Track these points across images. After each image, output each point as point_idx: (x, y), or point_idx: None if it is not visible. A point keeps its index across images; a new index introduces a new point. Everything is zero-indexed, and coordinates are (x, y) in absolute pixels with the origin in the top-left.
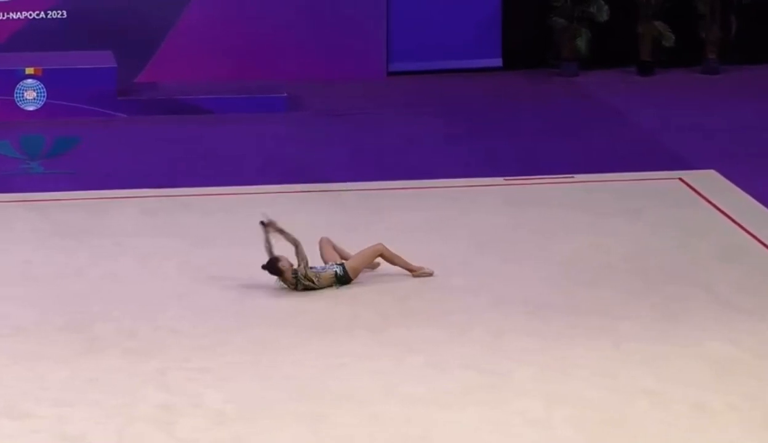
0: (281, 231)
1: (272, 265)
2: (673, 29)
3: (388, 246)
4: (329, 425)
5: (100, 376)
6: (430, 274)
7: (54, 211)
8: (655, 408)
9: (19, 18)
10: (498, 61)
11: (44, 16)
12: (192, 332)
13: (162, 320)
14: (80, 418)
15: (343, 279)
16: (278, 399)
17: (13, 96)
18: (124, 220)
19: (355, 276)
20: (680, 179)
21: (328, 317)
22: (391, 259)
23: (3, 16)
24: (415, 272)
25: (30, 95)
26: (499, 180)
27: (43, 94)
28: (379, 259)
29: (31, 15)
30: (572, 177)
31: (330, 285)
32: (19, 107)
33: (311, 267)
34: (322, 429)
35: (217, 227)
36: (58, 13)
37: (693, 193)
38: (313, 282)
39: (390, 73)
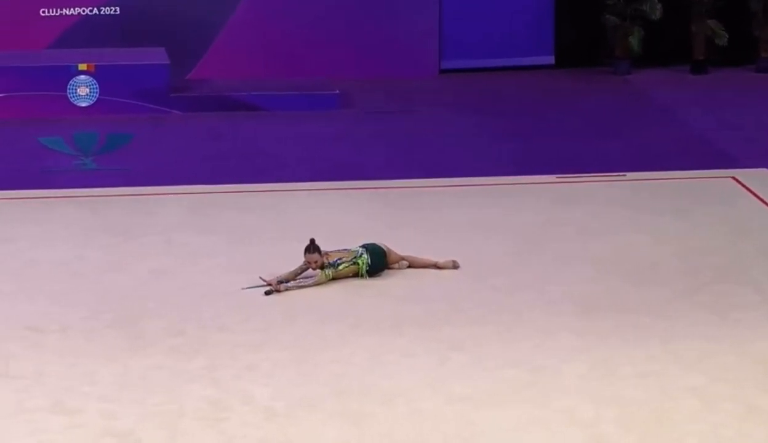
0: (286, 286)
1: (312, 244)
2: (726, 28)
3: (431, 247)
4: (374, 422)
5: (147, 373)
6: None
7: (104, 207)
8: (704, 409)
9: (72, 14)
10: (550, 59)
11: (97, 12)
12: (238, 329)
13: (209, 317)
14: (127, 415)
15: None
16: (324, 396)
17: (66, 92)
18: (173, 217)
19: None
20: (733, 178)
21: (374, 314)
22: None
23: (56, 12)
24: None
25: (83, 91)
26: (550, 178)
27: (95, 91)
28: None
29: (84, 11)
30: (624, 175)
31: (355, 262)
32: (71, 103)
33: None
34: (367, 426)
35: (265, 224)
36: (111, 9)
37: (745, 191)
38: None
39: (442, 71)
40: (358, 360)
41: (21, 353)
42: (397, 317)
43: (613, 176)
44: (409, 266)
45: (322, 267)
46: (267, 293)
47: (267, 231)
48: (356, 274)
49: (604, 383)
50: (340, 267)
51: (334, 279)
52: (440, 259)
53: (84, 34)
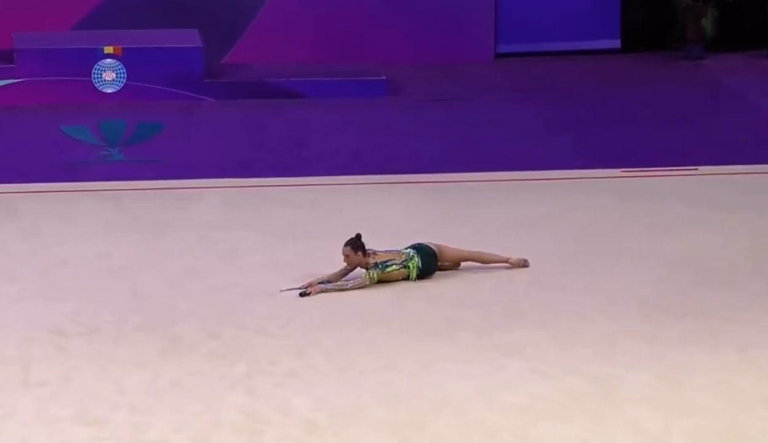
0: (323, 287)
1: (355, 240)
2: None
3: (484, 246)
4: (424, 435)
5: (180, 380)
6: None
7: (132, 202)
8: None
9: None
10: (616, 43)
11: None
12: (279, 333)
13: (247, 320)
14: (158, 426)
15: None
16: (370, 405)
17: (90, 77)
18: (207, 212)
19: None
20: None
21: (425, 318)
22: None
23: None
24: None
25: (109, 76)
26: (614, 172)
27: (122, 76)
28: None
29: None
30: (695, 169)
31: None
32: (97, 89)
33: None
34: (416, 439)
35: (307, 220)
36: None
37: None
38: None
39: (498, 55)
40: (406, 367)
41: (44, 358)
42: (448, 321)
43: (684, 170)
44: (480, 262)
45: (366, 268)
46: (302, 294)
47: (308, 228)
48: (405, 278)
49: (673, 393)
50: (388, 270)
51: (379, 281)
52: (512, 256)
53: (110, 15)
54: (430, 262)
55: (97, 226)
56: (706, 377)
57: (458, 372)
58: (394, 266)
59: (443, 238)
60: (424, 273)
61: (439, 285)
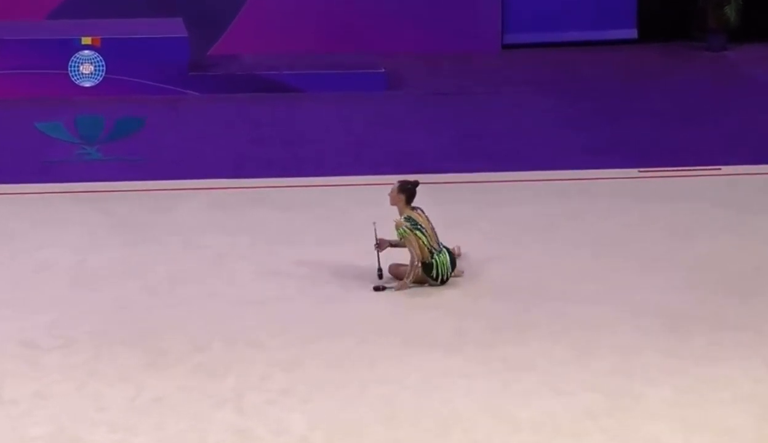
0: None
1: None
2: None
3: (494, 250)
4: None
5: (164, 396)
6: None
7: (113, 204)
8: None
9: None
10: (632, 33)
11: None
12: (272, 345)
13: (237, 331)
14: None
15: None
16: (370, 424)
17: (67, 70)
18: (194, 215)
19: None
20: None
21: (430, 329)
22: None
23: None
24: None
25: (86, 69)
26: (631, 171)
27: (101, 68)
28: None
29: None
30: (718, 168)
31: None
32: (73, 83)
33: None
34: None
35: (302, 224)
36: None
37: None
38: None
39: (505, 46)
40: (409, 382)
41: (17, 373)
42: (454, 332)
43: (707, 169)
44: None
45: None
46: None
47: (304, 232)
48: (428, 270)
49: (696, 409)
50: (417, 233)
51: (402, 240)
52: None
53: (88, 3)
54: (453, 263)
55: (75, 230)
56: (731, 392)
57: (465, 387)
58: (424, 238)
59: (451, 242)
60: (443, 276)
61: (443, 294)
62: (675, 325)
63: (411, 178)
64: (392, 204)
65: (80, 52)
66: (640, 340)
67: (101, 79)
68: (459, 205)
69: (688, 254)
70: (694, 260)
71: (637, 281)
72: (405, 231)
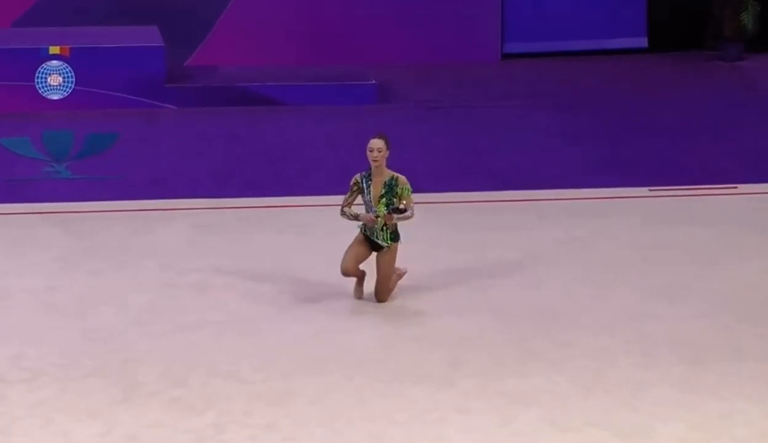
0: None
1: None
2: None
3: (496, 276)
4: None
5: (137, 434)
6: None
7: (83, 226)
8: None
9: None
10: (642, 41)
11: None
12: (254, 378)
13: (218, 363)
14: None
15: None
16: None
17: (33, 81)
18: (172, 238)
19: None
20: None
21: (422, 360)
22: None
23: None
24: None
25: (54, 80)
26: (641, 190)
27: (70, 80)
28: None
29: None
30: (734, 187)
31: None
32: (41, 95)
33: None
34: None
35: (286, 247)
36: None
37: None
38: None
39: (505, 56)
40: (400, 418)
41: None
42: (448, 364)
43: (722, 188)
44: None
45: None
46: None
47: (289, 256)
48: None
49: None
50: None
51: (405, 199)
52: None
53: (56, 9)
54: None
55: (44, 255)
56: (748, 429)
57: (461, 423)
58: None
59: (448, 267)
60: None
61: (436, 322)
62: (688, 356)
63: None
64: (380, 162)
65: (48, 63)
66: (650, 372)
67: (70, 91)
68: (455, 227)
69: (703, 280)
70: (709, 286)
71: (648, 309)
72: (410, 188)
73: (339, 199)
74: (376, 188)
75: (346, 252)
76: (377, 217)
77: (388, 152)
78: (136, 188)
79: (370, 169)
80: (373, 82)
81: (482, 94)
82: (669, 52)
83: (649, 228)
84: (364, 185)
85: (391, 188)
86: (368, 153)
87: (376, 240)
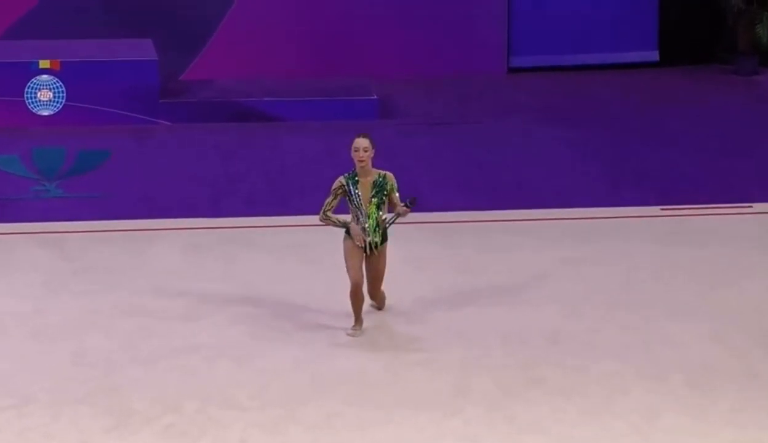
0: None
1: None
2: None
3: (503, 298)
4: None
5: None
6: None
7: (74, 247)
8: None
9: None
10: (653, 55)
11: None
12: (251, 405)
13: (212, 389)
14: None
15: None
16: None
17: (23, 97)
18: (166, 259)
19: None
20: None
21: (425, 386)
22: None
23: None
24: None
25: (45, 96)
26: (653, 209)
27: (61, 95)
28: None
29: None
30: (749, 206)
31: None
32: (30, 111)
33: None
34: None
35: (284, 268)
36: None
37: None
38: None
39: (511, 69)
40: None
41: None
42: (452, 390)
43: (736, 207)
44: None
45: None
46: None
47: (287, 277)
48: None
49: None
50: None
51: (392, 191)
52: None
53: (46, 21)
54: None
55: (33, 276)
56: None
57: None
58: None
59: (452, 289)
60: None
61: (440, 346)
62: (701, 382)
63: None
64: (366, 162)
65: (38, 77)
66: (662, 399)
67: (61, 106)
68: (460, 248)
69: (716, 303)
70: (723, 309)
71: (659, 333)
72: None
73: (340, 217)
74: (365, 189)
75: (350, 262)
76: (364, 230)
77: (373, 151)
78: (128, 207)
79: (354, 170)
80: (375, 96)
81: (487, 109)
82: (681, 65)
83: (660, 248)
84: (351, 188)
85: (381, 188)
86: (353, 153)
87: (367, 241)
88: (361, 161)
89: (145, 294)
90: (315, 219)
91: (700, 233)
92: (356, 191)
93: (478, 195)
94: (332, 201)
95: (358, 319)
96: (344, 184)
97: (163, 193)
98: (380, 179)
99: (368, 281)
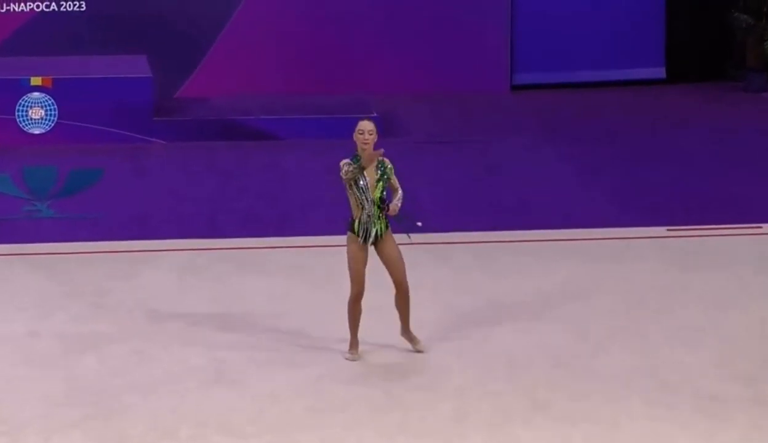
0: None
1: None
2: None
3: (505, 322)
4: None
5: None
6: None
7: (66, 269)
8: None
9: (23, 10)
10: (659, 72)
11: (56, 9)
12: (247, 431)
13: (208, 414)
14: None
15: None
16: None
17: (14, 114)
18: (159, 281)
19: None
20: None
21: (426, 411)
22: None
23: (1, 8)
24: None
25: (36, 113)
26: (659, 230)
27: (53, 112)
28: None
29: (39, 7)
30: (759, 227)
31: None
32: (22, 129)
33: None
34: None
35: (282, 290)
36: (74, 5)
37: None
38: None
39: (514, 87)
40: None
41: None
42: (454, 415)
43: (745, 228)
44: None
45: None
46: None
47: (286, 300)
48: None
49: None
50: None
51: (390, 177)
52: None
53: (38, 37)
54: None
55: (24, 299)
56: None
57: None
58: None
59: (453, 312)
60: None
61: (441, 370)
62: (709, 408)
63: None
64: (370, 144)
65: (29, 95)
66: (669, 426)
67: (53, 124)
68: (462, 269)
69: (724, 327)
70: (731, 334)
71: (667, 357)
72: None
73: (337, 239)
74: (371, 174)
75: (354, 268)
76: (369, 217)
77: (376, 136)
78: (121, 228)
79: (356, 156)
80: (375, 114)
81: (490, 127)
82: (688, 82)
83: (666, 270)
84: (358, 175)
85: (383, 171)
86: (357, 135)
87: (372, 231)
88: (366, 143)
89: (139, 318)
90: (311, 240)
91: (708, 254)
92: (363, 177)
93: (481, 214)
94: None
95: (354, 339)
96: (355, 166)
97: (157, 214)
98: (380, 164)
99: (390, 274)
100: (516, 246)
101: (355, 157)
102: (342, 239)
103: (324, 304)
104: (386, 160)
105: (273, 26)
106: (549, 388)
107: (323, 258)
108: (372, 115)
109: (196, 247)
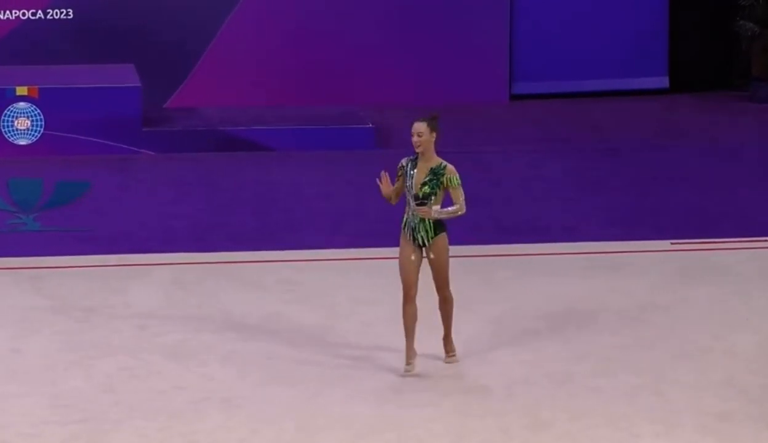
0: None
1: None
2: None
3: (504, 339)
4: None
5: None
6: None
7: (52, 283)
8: None
9: (8, 18)
10: (663, 81)
11: (42, 17)
12: None
13: (200, 432)
14: None
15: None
16: None
17: None
18: (149, 296)
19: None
20: None
21: (425, 430)
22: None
23: None
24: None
25: (22, 124)
26: (663, 244)
27: (39, 123)
28: None
29: (24, 15)
30: (765, 240)
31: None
32: (7, 140)
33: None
34: None
35: (273, 306)
36: (61, 13)
37: None
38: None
39: (514, 97)
40: None
41: None
42: (453, 433)
43: (750, 241)
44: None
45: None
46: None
47: (277, 316)
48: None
49: None
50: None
51: (453, 188)
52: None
53: (24, 46)
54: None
55: (9, 314)
56: None
57: None
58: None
59: (453, 327)
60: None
61: (439, 387)
62: (714, 428)
63: None
64: (423, 147)
65: (14, 105)
66: (675, 441)
67: (39, 135)
68: (462, 284)
69: (729, 343)
70: (736, 350)
71: (671, 375)
72: (459, 179)
73: (332, 252)
74: (420, 173)
75: (400, 265)
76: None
77: (434, 135)
78: (108, 241)
79: (417, 154)
80: (370, 125)
81: (489, 137)
82: (693, 92)
83: (671, 285)
84: (409, 169)
85: (436, 175)
86: (411, 138)
87: (417, 236)
88: (416, 146)
89: (127, 333)
90: (305, 254)
91: (713, 269)
92: (411, 173)
93: (479, 228)
94: (397, 183)
95: (409, 350)
96: (404, 165)
97: (145, 227)
98: (439, 168)
99: (434, 272)
100: (513, 259)
101: (415, 156)
102: (335, 252)
103: (316, 320)
104: (449, 168)
105: (264, 36)
106: (550, 407)
107: (315, 272)
108: (367, 125)
109: (185, 261)
